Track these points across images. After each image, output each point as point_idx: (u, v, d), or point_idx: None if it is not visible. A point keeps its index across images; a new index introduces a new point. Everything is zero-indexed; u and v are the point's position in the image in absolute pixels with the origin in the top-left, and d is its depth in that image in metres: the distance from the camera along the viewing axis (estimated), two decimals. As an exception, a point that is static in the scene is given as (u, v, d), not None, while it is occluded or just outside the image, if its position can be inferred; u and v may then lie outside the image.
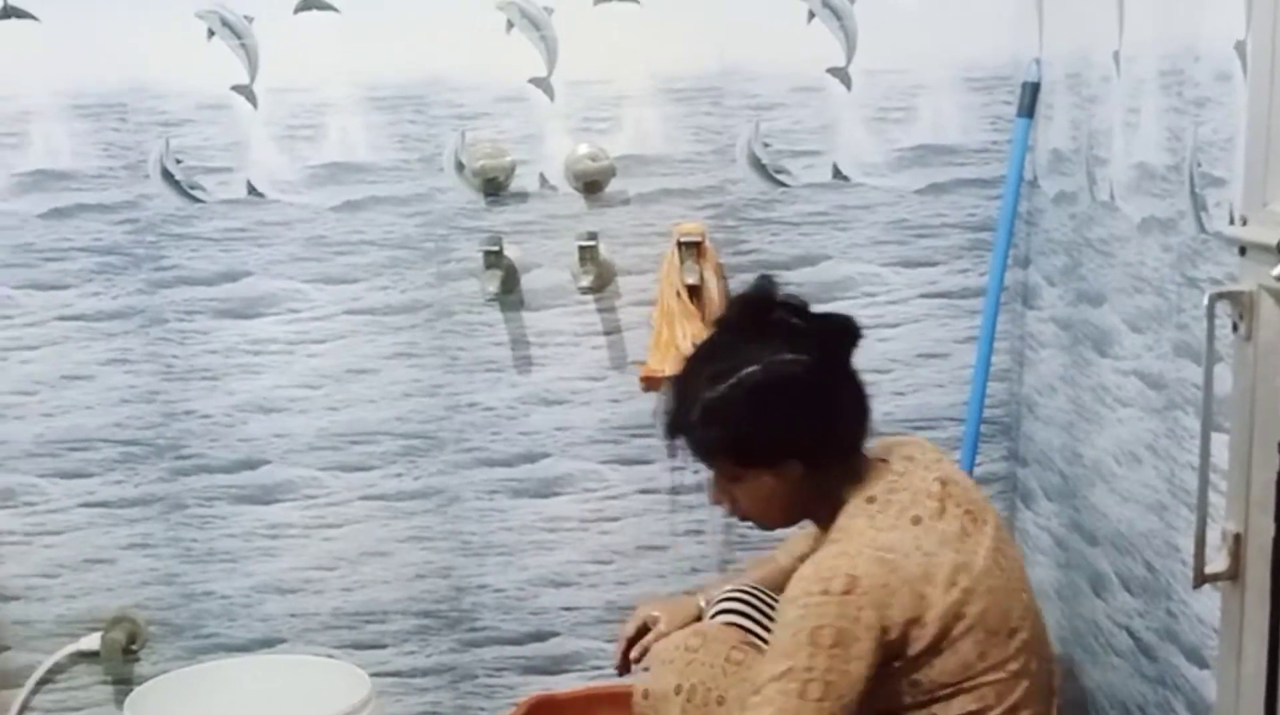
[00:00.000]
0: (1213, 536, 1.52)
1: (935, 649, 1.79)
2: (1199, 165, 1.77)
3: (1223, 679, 1.57)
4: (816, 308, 2.00)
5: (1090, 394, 2.26)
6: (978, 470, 2.65)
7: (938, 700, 1.82)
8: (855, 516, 1.87)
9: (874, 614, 1.75)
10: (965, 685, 1.81)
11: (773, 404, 1.90)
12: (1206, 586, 1.62)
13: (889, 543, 1.81)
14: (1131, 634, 2.09)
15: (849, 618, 1.74)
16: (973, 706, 1.82)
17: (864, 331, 2.00)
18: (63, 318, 2.69)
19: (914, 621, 1.77)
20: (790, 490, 1.94)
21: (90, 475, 2.76)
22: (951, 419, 2.70)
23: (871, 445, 2.00)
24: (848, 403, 1.96)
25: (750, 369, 1.90)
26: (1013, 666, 1.84)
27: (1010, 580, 1.88)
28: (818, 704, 1.74)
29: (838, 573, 1.77)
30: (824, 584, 1.77)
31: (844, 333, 1.96)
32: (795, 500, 1.96)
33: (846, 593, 1.75)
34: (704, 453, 1.99)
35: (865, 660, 1.75)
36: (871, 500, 1.88)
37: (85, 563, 2.79)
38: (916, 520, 1.84)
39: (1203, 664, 1.80)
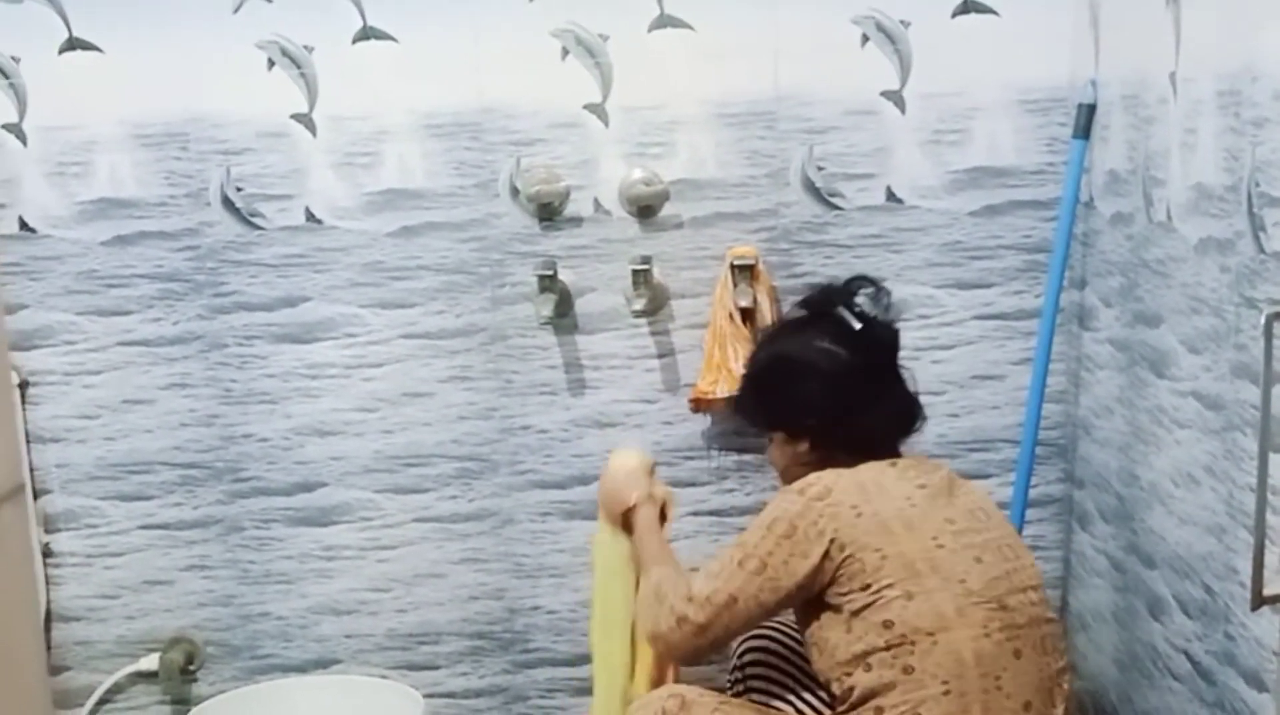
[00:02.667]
0: (1271, 558, 1.51)
1: (905, 590, 1.87)
2: (1257, 185, 1.76)
3: (1283, 701, 1.55)
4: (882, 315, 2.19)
5: (1147, 415, 2.24)
6: (1033, 492, 2.64)
7: (914, 646, 1.85)
8: (866, 466, 2.04)
9: (832, 525, 1.91)
10: (939, 639, 1.85)
11: (794, 381, 2.14)
12: (1265, 610, 1.60)
13: (884, 482, 1.98)
14: (1190, 657, 2.07)
15: (807, 519, 1.92)
16: (949, 665, 1.86)
17: (902, 346, 2.20)
18: (124, 343, 2.73)
19: (875, 550, 1.89)
20: (800, 459, 2.13)
21: (150, 498, 2.79)
22: (1007, 441, 2.69)
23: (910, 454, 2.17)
24: (868, 404, 2.11)
25: (790, 347, 2.17)
26: (992, 645, 1.89)
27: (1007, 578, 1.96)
28: (750, 575, 1.93)
29: (819, 481, 1.97)
30: (802, 486, 1.98)
31: (880, 342, 2.16)
32: (804, 464, 2.11)
33: (816, 498, 1.94)
34: (738, 406, 2.30)
35: (808, 560, 1.91)
36: (894, 464, 2.06)
37: (144, 584, 2.82)
38: (922, 486, 2.00)
39: (1262, 688, 1.78)
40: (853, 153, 2.62)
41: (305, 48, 2.63)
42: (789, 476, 2.15)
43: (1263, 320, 1.46)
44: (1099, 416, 2.52)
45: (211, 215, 2.69)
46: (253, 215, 2.69)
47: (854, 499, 1.94)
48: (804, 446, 2.14)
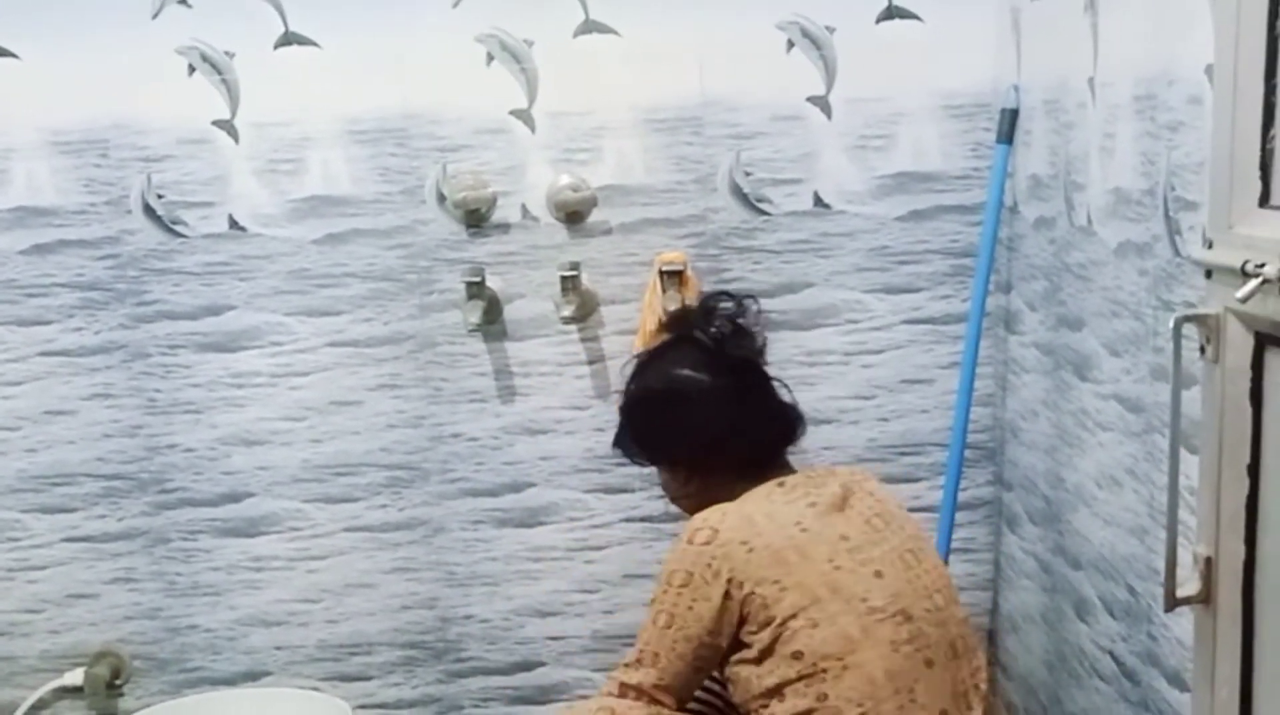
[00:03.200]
0: (1185, 559, 1.52)
1: (809, 619, 1.85)
2: (1173, 189, 1.77)
3: (1197, 702, 1.56)
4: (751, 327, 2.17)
5: (1071, 418, 2.26)
6: (963, 495, 2.65)
7: (825, 674, 1.84)
8: (752, 495, 2.00)
9: (725, 565, 1.88)
10: (850, 664, 1.84)
11: (660, 414, 2.12)
12: (1188, 609, 1.62)
13: (769, 511, 1.95)
14: (1115, 658, 2.08)
15: (701, 564, 1.89)
16: (862, 686, 1.84)
17: (767, 359, 2.20)
18: (45, 353, 2.70)
19: (773, 582, 1.86)
20: (681, 485, 2.14)
21: (73, 510, 2.76)
22: (936, 444, 2.70)
23: (812, 465, 2.15)
24: (738, 424, 2.08)
25: (651, 379, 2.15)
26: (902, 659, 1.87)
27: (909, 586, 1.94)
28: (663, 630, 1.91)
29: (705, 525, 1.93)
30: (690, 534, 1.94)
31: (739, 359, 2.12)
32: (689, 493, 2.13)
33: (705, 543, 1.91)
34: (616, 444, 2.23)
35: (711, 603, 1.88)
36: (781, 484, 2.03)
37: (69, 598, 2.78)
38: (812, 504, 1.97)
39: (1184, 687, 1.79)
40: (779, 158, 2.63)
41: (226, 53, 2.60)
42: (681, 504, 2.17)
43: (1171, 324, 1.47)
44: (1026, 419, 2.54)
45: (132, 223, 2.66)
46: (175, 223, 2.66)
47: (742, 535, 1.90)
48: (682, 476, 2.13)
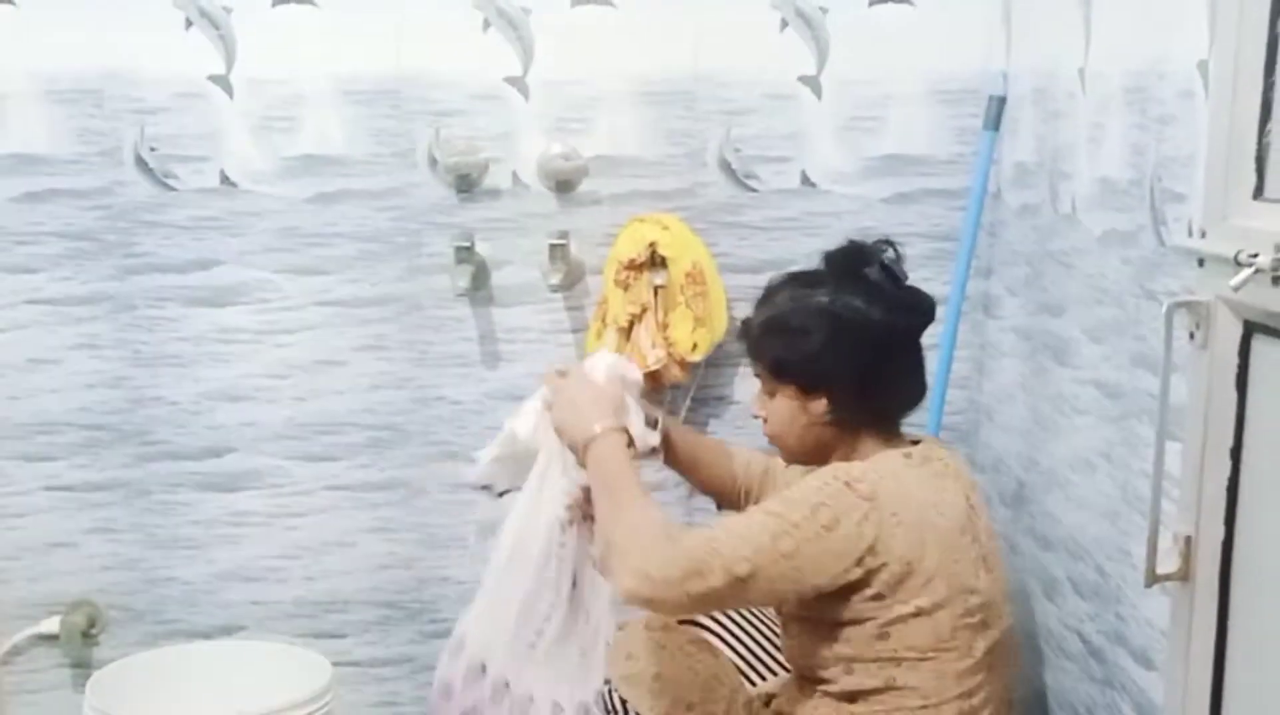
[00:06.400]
0: (1163, 540, 1.57)
1: (915, 607, 1.83)
2: (1160, 180, 1.82)
3: (1170, 678, 1.61)
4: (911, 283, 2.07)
5: (1048, 402, 2.31)
6: (936, 475, 2.69)
7: (902, 662, 1.86)
8: (889, 459, 1.93)
9: (873, 531, 1.81)
10: (929, 658, 1.86)
11: (822, 336, 1.97)
12: (1155, 591, 1.67)
13: (914, 485, 1.89)
14: (1082, 637, 2.14)
15: (852, 518, 1.81)
16: (930, 682, 1.86)
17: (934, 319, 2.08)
18: (32, 302, 2.69)
19: (904, 562, 1.82)
20: (809, 422, 2.00)
21: (55, 459, 2.76)
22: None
23: (917, 436, 2.07)
24: (893, 371, 2.01)
25: (820, 300, 1.99)
26: (973, 662, 1.89)
27: (996, 590, 1.95)
28: (779, 554, 1.79)
29: (867, 479, 1.85)
30: (853, 481, 1.85)
31: (914, 310, 2.04)
32: (811, 433, 2.01)
33: (865, 498, 1.82)
34: (754, 355, 2.08)
35: (841, 556, 1.80)
36: (909, 456, 1.95)
37: (47, 546, 2.79)
38: (942, 489, 1.91)
39: (1150, 666, 1.85)
40: (769, 136, 2.66)
41: (224, 8, 2.61)
42: (788, 442, 2.05)
43: (1164, 311, 1.51)
44: (1002, 403, 2.59)
45: (124, 175, 2.66)
46: (166, 176, 2.66)
47: (895, 506, 1.84)
48: (820, 406, 1.98)
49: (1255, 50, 1.41)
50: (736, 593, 1.80)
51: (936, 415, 2.62)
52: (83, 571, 2.80)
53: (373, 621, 2.84)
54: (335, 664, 2.70)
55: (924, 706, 1.87)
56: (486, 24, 2.62)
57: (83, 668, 2.80)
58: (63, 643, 2.79)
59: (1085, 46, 2.13)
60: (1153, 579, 1.55)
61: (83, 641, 2.79)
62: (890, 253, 2.04)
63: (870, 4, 2.61)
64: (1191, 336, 1.53)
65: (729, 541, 1.80)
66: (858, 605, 1.84)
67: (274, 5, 2.60)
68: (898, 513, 1.83)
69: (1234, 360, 1.45)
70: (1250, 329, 1.43)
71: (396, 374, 2.74)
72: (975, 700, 1.90)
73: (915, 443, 2.02)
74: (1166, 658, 1.67)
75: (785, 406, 2.02)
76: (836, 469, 1.89)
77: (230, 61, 2.63)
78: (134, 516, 2.78)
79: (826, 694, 1.93)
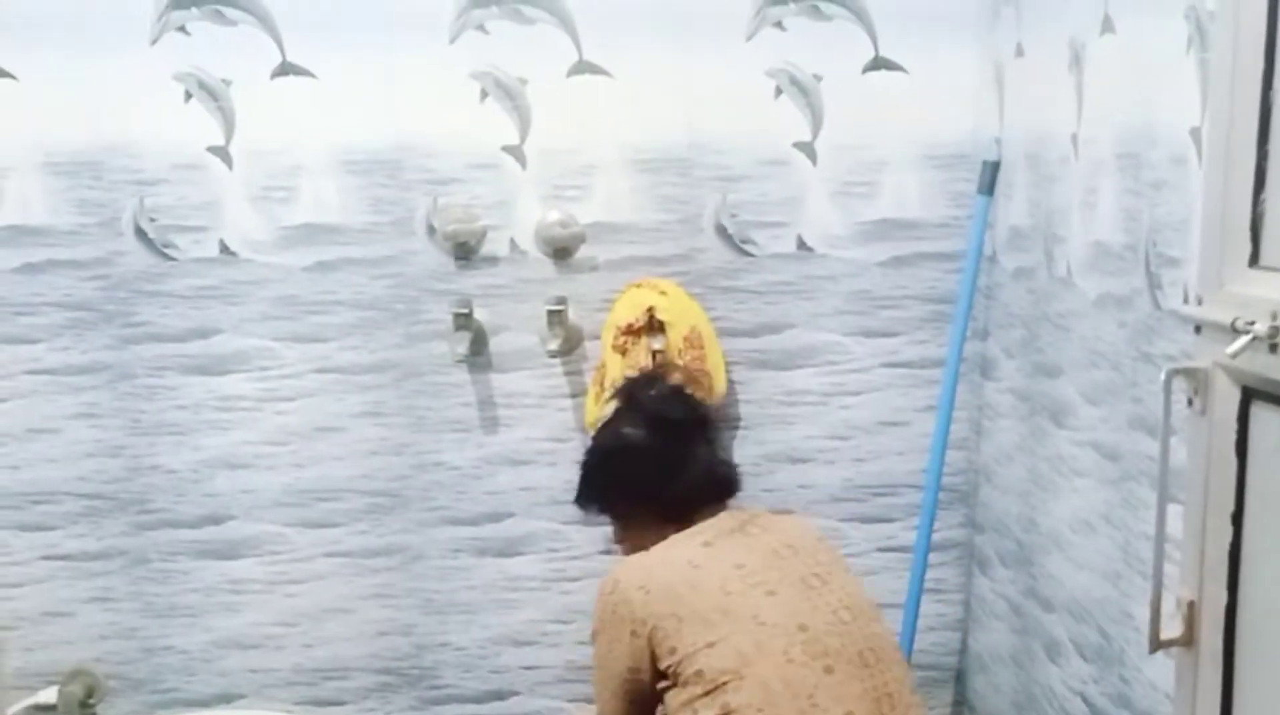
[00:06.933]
0: (1166, 604, 1.57)
1: (706, 641, 1.98)
2: (1154, 245, 1.84)
3: (1177, 743, 1.61)
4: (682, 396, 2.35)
5: (1047, 464, 2.32)
6: (935, 536, 2.70)
7: (725, 687, 1.95)
8: (667, 541, 2.16)
9: (626, 610, 2.05)
10: (745, 675, 1.95)
11: (602, 467, 2.34)
12: (1159, 654, 1.67)
13: (665, 554, 2.12)
14: (1085, 700, 2.13)
15: (609, 612, 2.08)
16: (758, 694, 1.94)
17: (698, 420, 2.33)
18: (31, 372, 2.70)
19: (671, 615, 2.01)
20: (621, 531, 2.33)
21: (53, 528, 2.76)
22: (910, 486, 2.76)
23: (735, 508, 2.28)
24: (667, 477, 2.24)
25: (602, 437, 2.36)
26: (798, 667, 1.97)
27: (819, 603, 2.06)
28: (601, 684, 2.12)
29: (610, 578, 2.12)
30: (600, 589, 2.13)
31: (673, 420, 2.29)
32: (626, 539, 2.30)
33: (609, 593, 2.09)
34: (575, 499, 2.41)
35: (623, 644, 2.05)
36: (692, 530, 2.18)
37: (45, 616, 2.78)
38: (706, 543, 2.12)
39: (1156, 729, 1.85)
40: (765, 201, 2.68)
41: (223, 81, 2.63)
42: (622, 550, 2.34)
43: (1163, 377, 1.52)
44: (1000, 464, 2.60)
45: (123, 245, 2.67)
46: (166, 246, 2.68)
47: (638, 581, 2.06)
48: (620, 524, 2.33)
49: (1248, 119, 1.43)
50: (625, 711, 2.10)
51: (935, 477, 2.63)
52: (81, 641, 2.79)
53: (372, 688, 2.83)
54: (335, 733, 2.69)
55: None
56: (484, 94, 2.64)
57: (81, 738, 2.79)
58: (61, 713, 2.77)
59: (1077, 112, 2.16)
60: (1156, 645, 1.55)
61: (81, 712, 2.77)
62: (671, 377, 2.40)
63: (864, 71, 2.64)
64: (1190, 402, 1.54)
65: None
66: (666, 659, 2.01)
67: (273, 78, 2.62)
68: (643, 585, 2.06)
69: (1233, 426, 1.46)
70: (1249, 395, 1.44)
71: (395, 440, 2.75)
72: (818, 700, 1.94)
73: (726, 516, 2.23)
74: (1172, 722, 1.67)
75: (611, 529, 2.37)
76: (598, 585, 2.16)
77: (229, 133, 2.65)
78: (132, 585, 2.78)
79: None
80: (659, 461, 2.25)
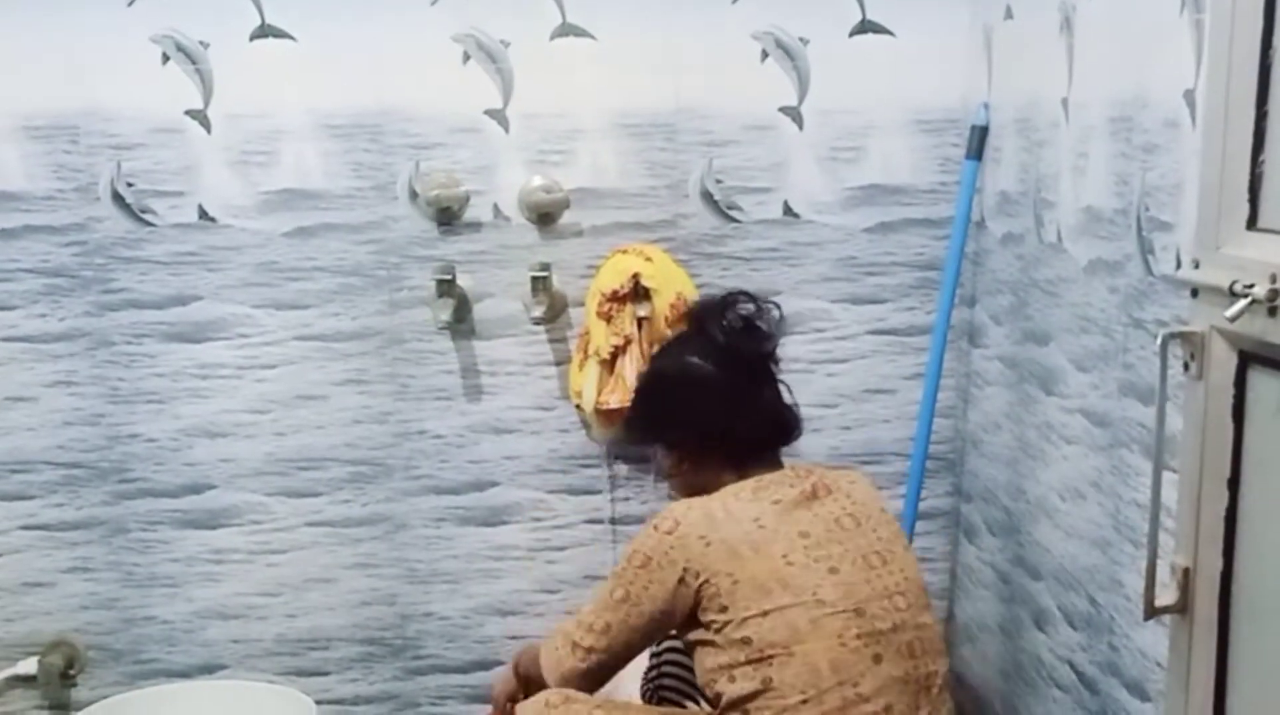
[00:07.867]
0: (1160, 571, 1.56)
1: (760, 609, 1.94)
2: (1146, 209, 1.82)
3: (1170, 709, 1.60)
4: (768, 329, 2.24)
5: (1035, 431, 2.30)
6: (922, 504, 2.69)
7: (771, 660, 1.91)
8: (730, 489, 2.10)
9: (681, 555, 1.99)
10: (794, 652, 1.92)
11: (664, 396, 2.24)
12: (1150, 621, 1.66)
13: (733, 507, 2.04)
14: (1074, 667, 2.13)
15: (660, 551, 2.01)
16: (805, 675, 1.91)
17: (780, 359, 2.26)
18: (8, 339, 2.67)
19: (727, 575, 1.96)
20: (674, 466, 2.23)
21: (31, 497, 2.73)
22: (897, 454, 2.74)
23: (797, 463, 2.21)
24: (733, 415, 2.16)
25: (663, 363, 2.29)
26: (847, 652, 1.93)
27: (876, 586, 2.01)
28: (618, 604, 2.03)
29: (669, 516, 2.05)
30: (655, 521, 2.06)
31: (744, 355, 2.20)
32: (680, 474, 2.23)
33: (668, 532, 2.02)
34: (625, 423, 2.40)
35: (665, 586, 2.00)
36: (759, 482, 2.11)
37: (24, 586, 2.75)
38: (775, 501, 2.05)
39: (1145, 697, 1.84)
40: (751, 167, 2.66)
41: (201, 43, 2.59)
42: (672, 485, 2.28)
43: (1158, 341, 1.50)
44: (988, 432, 2.58)
45: (101, 210, 2.64)
46: (144, 212, 2.64)
47: (701, 530, 2.00)
48: (675, 457, 2.23)
49: (1247, 80, 1.40)
50: (608, 643, 2.05)
51: (922, 445, 2.62)
52: (60, 611, 2.77)
53: (355, 659, 2.81)
54: (318, 702, 2.67)
55: (805, 702, 1.90)
56: (466, 57, 2.60)
57: (61, 709, 2.78)
58: (41, 684, 2.75)
59: (1068, 76, 2.13)
60: (1151, 612, 1.54)
61: (61, 683, 2.75)
62: (746, 304, 2.23)
63: (851, 34, 2.61)
64: (1186, 367, 1.52)
65: (586, 614, 2.09)
66: (712, 616, 1.97)
67: (252, 40, 2.58)
68: (704, 535, 2.00)
69: (1230, 391, 1.44)
70: (1246, 359, 1.43)
71: (377, 408, 2.72)
72: (862, 688, 1.91)
73: (793, 469, 2.17)
74: (1165, 690, 1.65)
75: (661, 460, 2.29)
76: (653, 516, 2.09)
77: (208, 96, 2.61)
78: (112, 555, 2.75)
79: (721, 710, 1.98)
80: (725, 398, 2.17)
